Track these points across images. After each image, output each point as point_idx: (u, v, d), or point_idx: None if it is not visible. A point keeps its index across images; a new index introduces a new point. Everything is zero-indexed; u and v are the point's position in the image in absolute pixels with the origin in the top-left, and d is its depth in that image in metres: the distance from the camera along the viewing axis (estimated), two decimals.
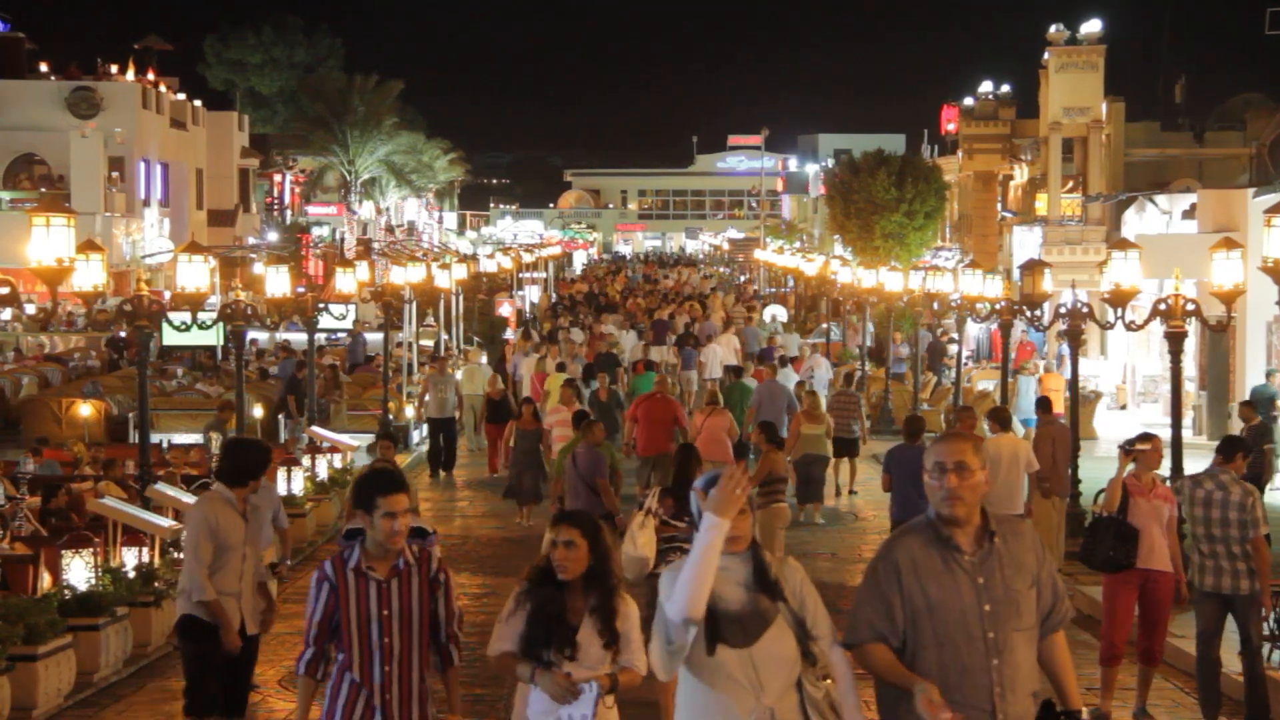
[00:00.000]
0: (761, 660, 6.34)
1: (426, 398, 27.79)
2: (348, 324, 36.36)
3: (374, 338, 38.19)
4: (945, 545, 6.18)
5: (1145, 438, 12.71)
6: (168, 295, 26.57)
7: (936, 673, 6.08)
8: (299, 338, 31.83)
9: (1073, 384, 21.27)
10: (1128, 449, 12.49)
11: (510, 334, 39.83)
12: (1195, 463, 20.11)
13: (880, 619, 6.18)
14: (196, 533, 10.32)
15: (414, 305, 36.09)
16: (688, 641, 6.26)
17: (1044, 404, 20.00)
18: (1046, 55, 41.09)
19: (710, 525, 6.17)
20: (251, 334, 34.21)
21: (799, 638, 6.44)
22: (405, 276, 34.51)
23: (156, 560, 14.92)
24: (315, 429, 24.44)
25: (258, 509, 11.01)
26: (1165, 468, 19.47)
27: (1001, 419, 17.50)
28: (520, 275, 60.13)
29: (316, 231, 71.75)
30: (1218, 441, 13.15)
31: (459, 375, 30.08)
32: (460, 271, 42.49)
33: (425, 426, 28.99)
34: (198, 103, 60.57)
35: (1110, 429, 31.43)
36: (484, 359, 33.66)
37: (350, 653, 7.38)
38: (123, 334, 38.35)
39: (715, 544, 6.15)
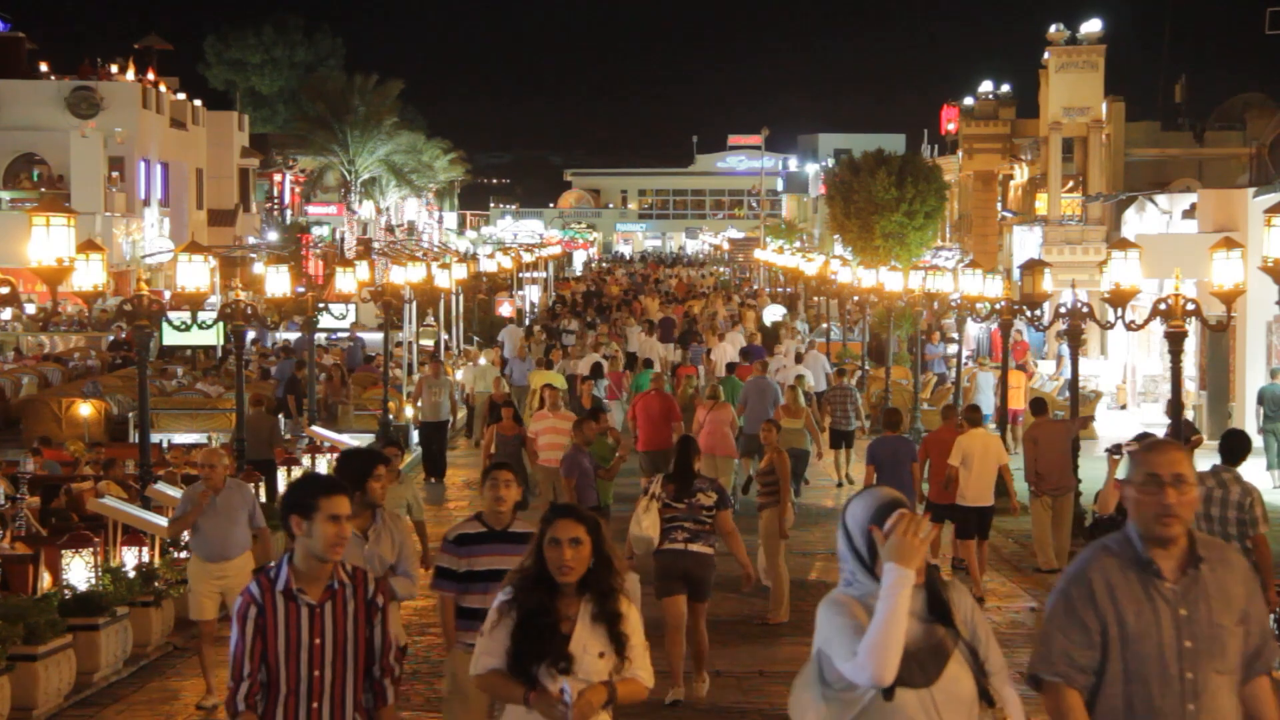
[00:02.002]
0: (944, 701, 5.42)
1: (420, 402, 26.91)
2: (347, 324, 36.41)
3: (373, 337, 38.19)
4: (1145, 569, 5.51)
5: (1141, 439, 12.74)
6: (168, 295, 26.59)
7: (1122, 712, 5.48)
8: (297, 337, 31.87)
9: (1073, 384, 21.28)
10: (1116, 453, 12.50)
11: (512, 341, 39.52)
12: (1198, 462, 20.16)
13: (1079, 648, 5.48)
14: None
15: (414, 305, 36.08)
16: (865, 696, 5.38)
17: (1038, 405, 19.95)
18: (1046, 55, 41.11)
19: (896, 579, 5.26)
20: (252, 334, 34.24)
21: (974, 673, 5.50)
22: (405, 276, 34.51)
23: (156, 560, 14.93)
24: (315, 429, 24.43)
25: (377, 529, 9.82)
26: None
27: (972, 416, 18.09)
28: (520, 275, 60.14)
29: (316, 231, 71.78)
30: (1219, 441, 13.13)
31: (459, 375, 30.06)
32: (460, 271, 42.49)
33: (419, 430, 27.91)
34: (198, 102, 60.59)
35: (1110, 429, 31.41)
36: (482, 360, 33.54)
37: (275, 688, 6.50)
38: (124, 335, 38.44)
39: (904, 600, 5.26)
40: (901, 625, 5.26)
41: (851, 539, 5.46)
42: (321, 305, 25.63)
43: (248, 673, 6.53)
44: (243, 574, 12.41)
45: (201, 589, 12.57)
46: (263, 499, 18.23)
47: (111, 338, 37.92)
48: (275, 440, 21.94)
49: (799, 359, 31.46)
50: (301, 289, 25.92)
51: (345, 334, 40.40)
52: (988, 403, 27.84)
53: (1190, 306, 16.86)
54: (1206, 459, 12.99)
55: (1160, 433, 21.42)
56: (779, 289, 65.54)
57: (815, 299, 54.55)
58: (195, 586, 12.66)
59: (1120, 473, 12.44)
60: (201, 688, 12.78)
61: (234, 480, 12.92)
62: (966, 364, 33.16)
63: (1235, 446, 12.23)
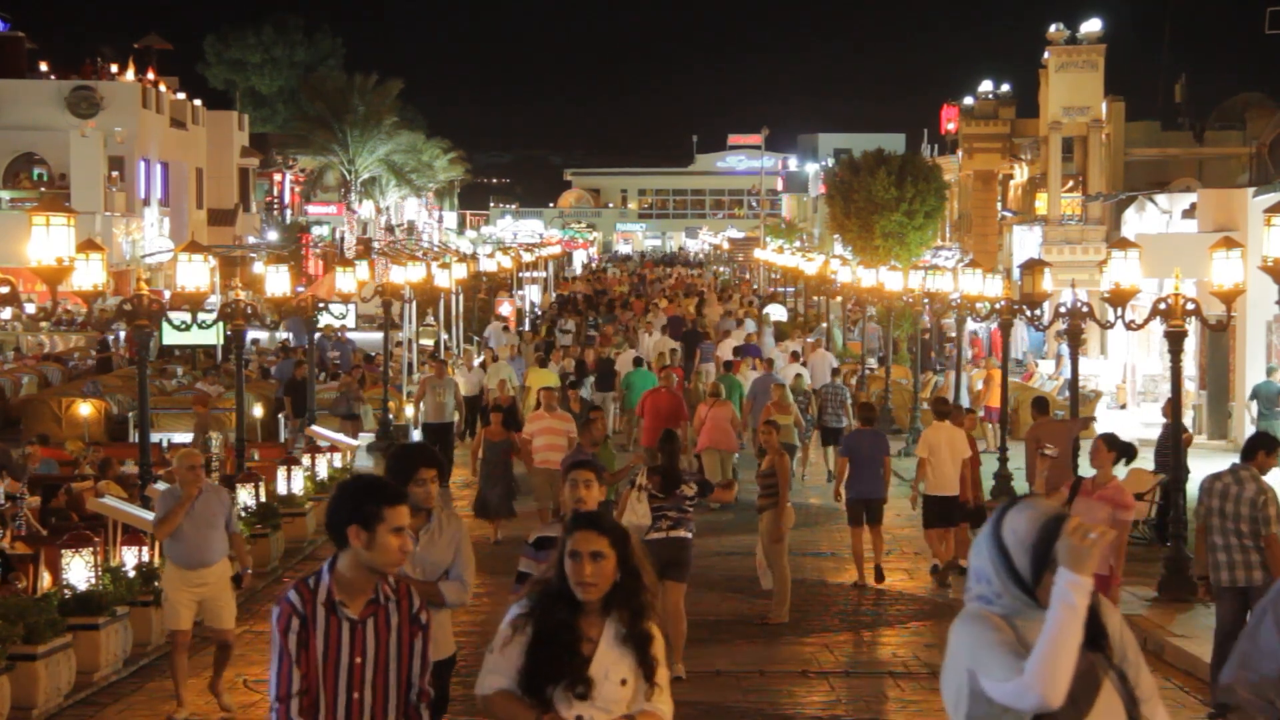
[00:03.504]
0: None
1: (423, 403, 26.14)
2: (348, 324, 36.33)
3: (373, 337, 38.13)
4: None
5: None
6: (168, 295, 26.57)
7: None
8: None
9: (1072, 384, 21.29)
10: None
11: (497, 339, 39.23)
12: (1196, 461, 20.16)
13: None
14: None
15: (414, 305, 36.06)
16: None
17: (1039, 404, 19.95)
18: (1046, 55, 41.10)
19: (1070, 587, 4.61)
20: (253, 334, 34.23)
21: (1125, 701, 4.88)
22: (405, 276, 34.50)
23: (156, 560, 14.91)
24: (314, 429, 24.42)
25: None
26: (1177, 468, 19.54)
27: (939, 409, 18.67)
28: (520, 275, 60.14)
29: (316, 231, 71.79)
30: (1219, 441, 13.19)
31: (458, 378, 29.91)
32: (460, 271, 42.48)
33: (420, 431, 26.89)
34: (198, 102, 60.59)
35: (1110, 428, 31.38)
36: (478, 360, 33.42)
37: (309, 712, 5.88)
38: (109, 336, 38.35)
39: (1079, 612, 4.62)
40: (1077, 639, 4.64)
41: (1008, 554, 4.81)
42: (321, 305, 25.63)
43: (298, 689, 5.86)
44: (222, 580, 12.32)
45: (179, 597, 12.26)
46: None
47: (99, 339, 37.64)
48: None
49: (795, 357, 31.49)
50: (301, 288, 25.91)
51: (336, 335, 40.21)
52: (963, 400, 28.14)
53: (1190, 306, 16.87)
54: (1208, 459, 13.00)
55: (1158, 433, 21.44)
56: (778, 289, 65.61)
57: (815, 299, 54.59)
58: (172, 595, 12.36)
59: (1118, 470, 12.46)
60: (170, 706, 12.48)
61: (211, 484, 12.75)
62: (967, 363, 33.18)
63: (1253, 449, 12.22)
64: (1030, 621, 4.73)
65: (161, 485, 16.70)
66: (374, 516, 5.82)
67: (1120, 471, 21.32)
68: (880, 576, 17.87)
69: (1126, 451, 13.33)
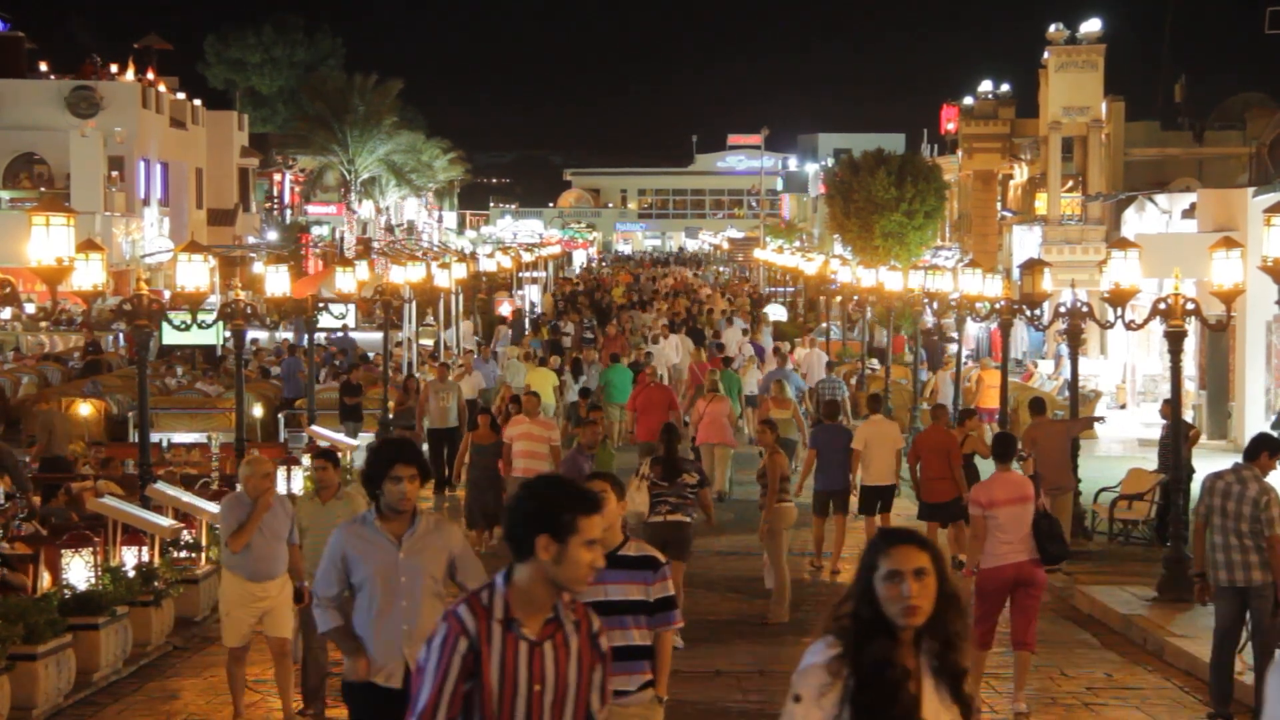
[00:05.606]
0: None
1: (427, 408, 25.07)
2: (350, 323, 36.27)
3: (372, 337, 38.12)
4: None
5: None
6: (168, 294, 26.58)
7: None
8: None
9: (1072, 384, 21.27)
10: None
11: (499, 342, 39.10)
12: (1197, 461, 20.15)
13: None
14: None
15: (414, 305, 36.06)
16: None
17: (1038, 405, 19.95)
18: (1046, 55, 41.10)
19: None
20: (253, 333, 34.18)
21: None
22: (405, 276, 34.50)
23: (156, 559, 14.93)
24: (314, 429, 24.41)
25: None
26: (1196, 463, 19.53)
27: (874, 404, 20.17)
28: (520, 275, 60.14)
29: (316, 231, 71.75)
30: (1219, 441, 13.21)
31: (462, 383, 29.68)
32: (460, 271, 42.48)
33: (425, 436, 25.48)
34: (197, 102, 60.57)
35: (1110, 428, 31.43)
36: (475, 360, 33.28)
37: None
38: (107, 337, 38.32)
39: None
40: None
41: None
42: (321, 305, 25.62)
43: (445, 717, 5.13)
44: (284, 593, 11.64)
45: (242, 613, 11.62)
46: None
47: (74, 358, 37.43)
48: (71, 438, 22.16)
49: (781, 358, 31.52)
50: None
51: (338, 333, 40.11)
52: (947, 400, 28.43)
53: (1190, 306, 16.87)
54: (1208, 459, 13.00)
55: (1158, 433, 21.43)
56: (776, 288, 65.65)
57: (815, 298, 54.63)
58: (233, 611, 11.65)
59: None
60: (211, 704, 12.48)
61: (278, 494, 12.08)
62: (967, 363, 33.18)
63: (1256, 449, 12.23)
64: None
65: (162, 485, 16.73)
66: (568, 527, 5.17)
67: (1120, 471, 21.37)
68: (835, 571, 18.48)
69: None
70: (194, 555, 15.95)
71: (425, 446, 24.99)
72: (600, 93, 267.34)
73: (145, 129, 51.46)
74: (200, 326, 18.91)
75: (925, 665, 4.97)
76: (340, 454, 22.91)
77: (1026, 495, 12.66)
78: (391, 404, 27.02)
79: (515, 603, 5.19)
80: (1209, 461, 18.73)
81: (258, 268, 41.78)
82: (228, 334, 23.83)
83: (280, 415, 29.19)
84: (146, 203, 52.26)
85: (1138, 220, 36.98)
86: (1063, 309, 20.68)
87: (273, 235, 63.80)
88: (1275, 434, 15.31)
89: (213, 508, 16.52)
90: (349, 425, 27.27)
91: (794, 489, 17.56)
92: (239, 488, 12.06)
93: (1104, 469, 23.86)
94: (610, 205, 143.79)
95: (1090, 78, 40.48)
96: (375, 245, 68.47)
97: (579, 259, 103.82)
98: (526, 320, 51.43)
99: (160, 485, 16.64)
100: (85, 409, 28.44)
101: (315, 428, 24.48)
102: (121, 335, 37.67)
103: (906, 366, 35.40)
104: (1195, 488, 14.58)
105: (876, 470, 18.95)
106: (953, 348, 32.73)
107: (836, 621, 4.99)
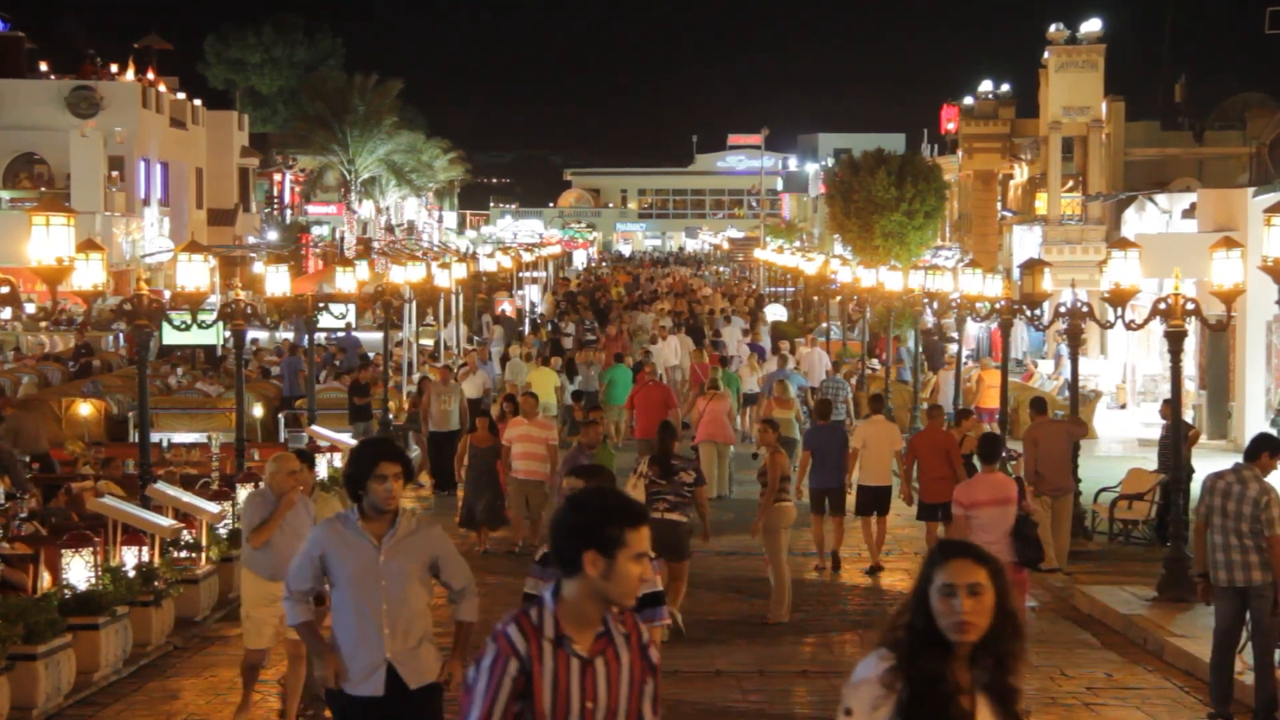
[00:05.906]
0: None
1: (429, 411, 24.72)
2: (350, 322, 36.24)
3: (372, 337, 38.11)
4: None
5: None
6: (168, 294, 26.56)
7: None
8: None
9: (1072, 384, 21.27)
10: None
11: (493, 341, 38.94)
12: (1197, 461, 20.15)
13: None
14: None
15: (414, 305, 36.04)
16: None
17: (1038, 405, 19.94)
18: (1046, 54, 41.10)
19: None
20: (253, 333, 34.17)
21: None
22: (405, 276, 34.49)
23: (156, 559, 14.92)
24: (314, 428, 24.39)
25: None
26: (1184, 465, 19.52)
27: (875, 404, 20.27)
28: (520, 275, 60.13)
29: (316, 231, 71.77)
30: (1219, 441, 13.23)
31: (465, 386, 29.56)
32: (460, 271, 42.47)
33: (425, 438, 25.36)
34: (198, 102, 60.57)
35: (1110, 428, 31.42)
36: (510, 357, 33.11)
37: None
38: (106, 338, 38.27)
39: None
40: None
41: None
42: (321, 304, 25.60)
43: None
44: None
45: (263, 614, 11.46)
46: None
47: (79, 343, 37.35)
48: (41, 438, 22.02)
49: (782, 359, 31.53)
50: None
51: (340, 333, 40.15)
52: (948, 400, 28.55)
53: (1190, 306, 16.87)
54: (1208, 459, 13.00)
55: (1158, 433, 21.42)
56: (776, 288, 65.66)
57: (814, 298, 54.63)
58: (253, 611, 11.55)
59: None
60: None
61: (300, 493, 11.83)
62: (967, 363, 33.18)
63: (1257, 449, 12.22)
64: None
65: (162, 485, 16.73)
66: (615, 541, 5.04)
67: (1120, 471, 21.39)
68: (837, 565, 18.73)
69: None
70: (194, 555, 15.95)
71: (415, 450, 25.19)
72: (600, 93, 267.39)
73: (145, 129, 51.46)
74: (200, 326, 18.91)
75: (977, 682, 4.89)
76: (340, 455, 23.04)
77: (1009, 497, 12.68)
78: (406, 406, 27.06)
79: (565, 619, 5.08)
80: (1209, 461, 18.73)
81: (258, 268, 41.76)
82: (228, 334, 23.81)
83: (280, 415, 29.17)
84: (146, 203, 52.26)
85: (1138, 220, 36.98)
86: (1063, 309, 20.68)
87: (273, 235, 63.80)
88: (1275, 434, 15.31)
89: (213, 508, 16.55)
90: (359, 425, 27.24)
91: (794, 489, 17.54)
92: (263, 484, 11.98)
93: (1104, 469, 23.87)
94: (610, 205, 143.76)
95: (1090, 78, 40.48)
96: (375, 245, 68.46)
97: (579, 259, 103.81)
98: (527, 320, 51.43)
99: (160, 485, 16.63)
100: (85, 409, 28.43)
101: (315, 428, 24.47)
102: (121, 335, 37.66)
103: (896, 366, 35.63)
104: (1195, 488, 14.59)
105: (873, 470, 19.05)
106: (953, 348, 32.74)
107: (891, 634, 4.94)
